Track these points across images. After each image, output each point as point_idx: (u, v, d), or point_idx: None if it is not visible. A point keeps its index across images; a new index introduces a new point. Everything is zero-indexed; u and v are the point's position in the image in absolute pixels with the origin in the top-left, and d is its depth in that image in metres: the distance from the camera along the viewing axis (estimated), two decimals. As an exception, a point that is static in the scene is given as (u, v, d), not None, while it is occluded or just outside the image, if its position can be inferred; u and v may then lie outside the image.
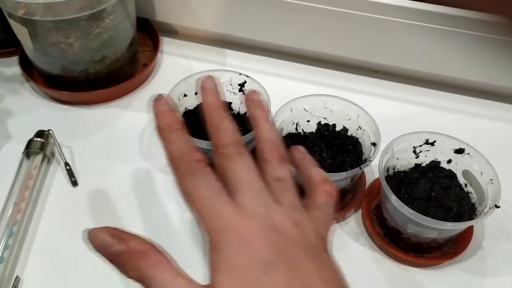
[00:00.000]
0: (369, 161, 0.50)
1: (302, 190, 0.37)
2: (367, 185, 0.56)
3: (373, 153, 0.50)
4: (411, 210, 0.45)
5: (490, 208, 0.46)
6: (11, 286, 0.47)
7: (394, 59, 0.67)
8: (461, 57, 0.64)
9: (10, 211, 0.51)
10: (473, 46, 0.61)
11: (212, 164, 0.53)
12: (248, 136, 0.51)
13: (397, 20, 0.61)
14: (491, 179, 0.48)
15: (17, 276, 0.48)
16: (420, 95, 0.68)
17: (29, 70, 0.66)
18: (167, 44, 0.74)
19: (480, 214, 0.47)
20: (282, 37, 0.70)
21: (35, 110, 0.65)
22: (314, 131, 0.56)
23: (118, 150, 0.61)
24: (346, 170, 0.51)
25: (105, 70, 0.63)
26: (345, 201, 0.55)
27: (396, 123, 0.60)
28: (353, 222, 0.55)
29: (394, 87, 0.69)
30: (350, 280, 0.49)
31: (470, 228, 0.52)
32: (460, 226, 0.47)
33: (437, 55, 0.64)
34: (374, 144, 0.51)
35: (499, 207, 0.46)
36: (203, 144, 0.51)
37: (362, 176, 0.56)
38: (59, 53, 0.59)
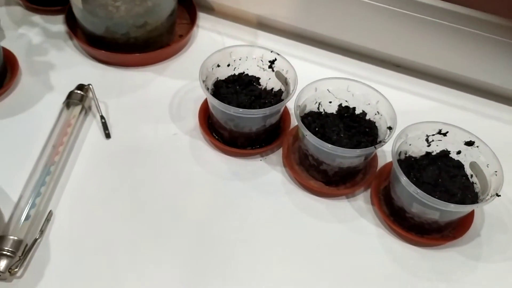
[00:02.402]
0: (384, 142, 0.53)
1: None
2: (378, 168, 0.60)
3: (388, 136, 0.54)
4: (418, 190, 0.49)
5: (491, 196, 0.50)
6: (44, 218, 0.52)
7: (416, 55, 0.71)
8: (482, 60, 0.67)
9: (48, 152, 0.56)
10: (496, 50, 0.65)
11: (233, 131, 0.57)
12: (273, 108, 0.55)
13: (425, 18, 0.65)
14: (496, 171, 0.52)
15: (50, 210, 0.53)
16: (438, 91, 0.72)
17: (74, 28, 0.71)
18: (203, 19, 0.78)
19: (481, 202, 0.51)
20: (314, 24, 0.73)
21: (76, 66, 0.69)
22: (335, 112, 0.60)
23: (149, 110, 0.65)
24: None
25: (145, 36, 0.67)
26: (356, 180, 0.59)
27: (411, 115, 0.64)
28: (362, 199, 0.58)
29: (413, 82, 0.73)
30: (352, 250, 0.54)
31: (471, 216, 0.55)
32: (462, 209, 0.50)
33: (459, 55, 0.68)
34: (390, 128, 0.55)
35: (499, 195, 0.49)
36: (231, 110, 0.55)
37: (374, 159, 0.60)
38: (105, 15, 0.64)
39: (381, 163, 0.61)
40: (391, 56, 0.73)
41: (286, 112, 0.64)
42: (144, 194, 0.56)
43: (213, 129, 0.62)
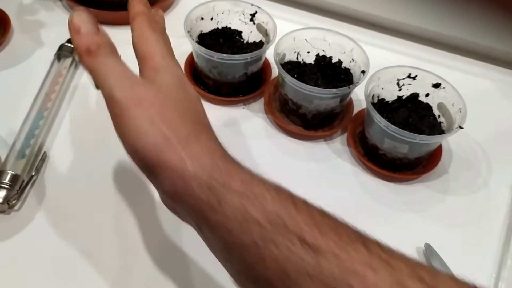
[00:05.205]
0: (357, 83, 0.57)
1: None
2: (354, 113, 0.64)
3: (362, 79, 0.58)
4: (388, 123, 0.53)
5: (455, 129, 0.54)
6: (39, 158, 0.55)
7: (391, 13, 0.75)
8: (453, 15, 0.71)
9: (41, 100, 0.59)
10: (466, 5, 0.69)
11: (217, 80, 0.60)
12: (254, 54, 0.59)
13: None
14: (460, 108, 0.56)
15: (44, 152, 0.56)
16: (411, 48, 0.76)
17: (63, -11, 0.74)
18: (189, -20, 0.81)
19: (446, 134, 0.55)
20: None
21: (65, 25, 0.70)
22: (312, 62, 0.64)
23: (137, 64, 0.67)
24: (336, 92, 0.59)
25: (132, -6, 0.70)
26: (333, 124, 0.63)
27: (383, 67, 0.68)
28: (339, 142, 0.62)
29: (388, 40, 0.77)
30: (330, 186, 0.57)
31: (439, 154, 0.59)
32: (428, 140, 0.54)
33: (431, 10, 0.72)
34: (363, 72, 0.59)
35: (462, 128, 0.53)
36: (214, 56, 0.58)
37: (350, 105, 0.64)
38: (93, -28, 0.67)
39: (356, 109, 0.64)
40: (367, 15, 0.77)
41: (267, 64, 0.67)
42: (133, 138, 0.59)
43: (198, 79, 0.65)
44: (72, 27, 0.39)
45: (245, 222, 0.32)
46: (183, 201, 0.34)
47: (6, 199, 0.50)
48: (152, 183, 0.36)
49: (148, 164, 0.35)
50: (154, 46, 0.41)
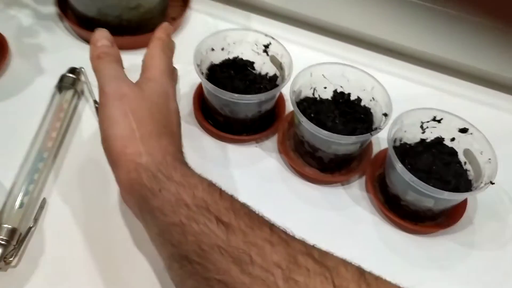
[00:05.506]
0: (380, 129, 0.53)
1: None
2: (373, 155, 0.60)
3: (384, 123, 0.54)
4: (413, 177, 0.49)
5: (485, 184, 0.50)
6: (38, 206, 0.52)
7: (413, 41, 0.70)
8: (477, 46, 0.67)
9: (42, 139, 0.55)
10: (492, 37, 0.64)
11: (229, 117, 0.56)
12: (268, 94, 0.55)
13: (422, 3, 0.64)
14: (490, 158, 0.52)
15: (44, 198, 0.52)
16: (433, 78, 0.72)
17: (65, 10, 0.69)
18: (197, 2, 0.77)
19: (476, 190, 0.51)
20: (308, 7, 0.72)
21: (67, 49, 0.68)
22: (330, 98, 0.60)
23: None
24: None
25: (138, 18, 0.66)
26: (351, 167, 0.59)
27: (406, 101, 0.64)
28: (357, 187, 0.58)
29: (409, 68, 0.73)
30: (348, 237, 0.54)
31: (464, 204, 0.56)
32: (456, 197, 0.50)
33: (454, 41, 0.67)
34: (385, 115, 0.55)
35: (493, 183, 0.50)
36: (226, 95, 0.54)
37: (369, 146, 0.60)
38: (97, -4, 0.62)
39: (375, 150, 0.61)
40: (387, 42, 0.73)
41: (280, 98, 0.63)
42: (138, 181, 0.55)
43: (208, 115, 0.61)
44: (92, 40, 0.49)
45: (177, 205, 0.37)
46: (134, 190, 0.40)
47: (3, 257, 0.46)
48: (114, 175, 0.43)
49: (113, 153, 0.42)
50: (157, 62, 0.49)
